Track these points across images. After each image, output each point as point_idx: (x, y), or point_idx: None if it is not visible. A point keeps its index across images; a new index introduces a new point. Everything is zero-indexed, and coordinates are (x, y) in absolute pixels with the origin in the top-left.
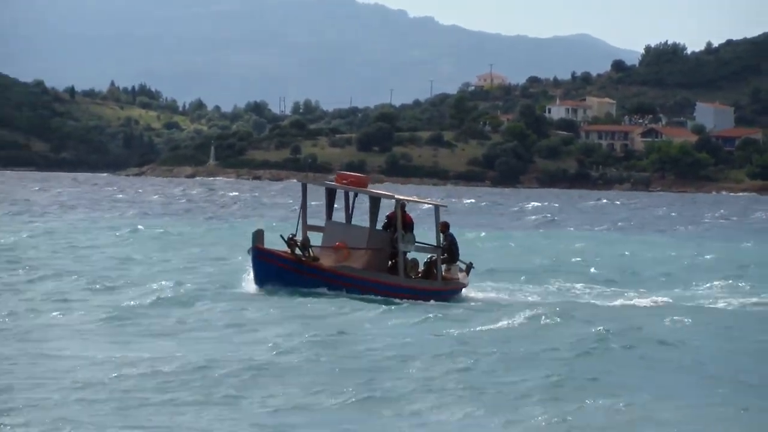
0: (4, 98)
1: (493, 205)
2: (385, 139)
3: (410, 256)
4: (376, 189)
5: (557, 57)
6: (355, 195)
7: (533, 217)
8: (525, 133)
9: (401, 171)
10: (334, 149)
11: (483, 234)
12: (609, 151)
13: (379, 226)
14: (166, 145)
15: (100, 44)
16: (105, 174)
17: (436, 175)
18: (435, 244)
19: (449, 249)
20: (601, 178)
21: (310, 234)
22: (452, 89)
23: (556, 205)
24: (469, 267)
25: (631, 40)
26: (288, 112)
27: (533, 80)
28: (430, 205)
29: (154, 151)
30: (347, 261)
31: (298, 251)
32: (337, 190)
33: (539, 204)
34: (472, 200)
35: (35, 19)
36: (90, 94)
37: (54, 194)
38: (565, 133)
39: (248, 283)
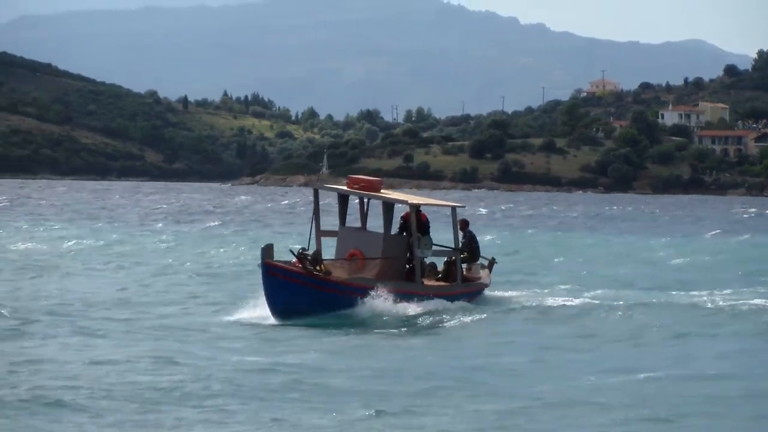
0: (119, 109)
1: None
2: (497, 147)
3: (428, 260)
4: (391, 193)
5: (669, 63)
6: (368, 200)
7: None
8: (637, 139)
9: (514, 178)
10: (446, 157)
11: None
12: (723, 156)
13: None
14: (279, 154)
15: (214, 54)
16: (217, 184)
17: (549, 182)
18: (453, 247)
19: (470, 247)
20: (715, 183)
21: (324, 240)
22: (564, 96)
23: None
24: (492, 263)
25: (744, 45)
26: (400, 120)
27: (645, 86)
28: (447, 207)
29: (267, 160)
30: (362, 271)
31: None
32: (351, 196)
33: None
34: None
35: (149, 30)
36: (203, 104)
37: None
38: (678, 138)
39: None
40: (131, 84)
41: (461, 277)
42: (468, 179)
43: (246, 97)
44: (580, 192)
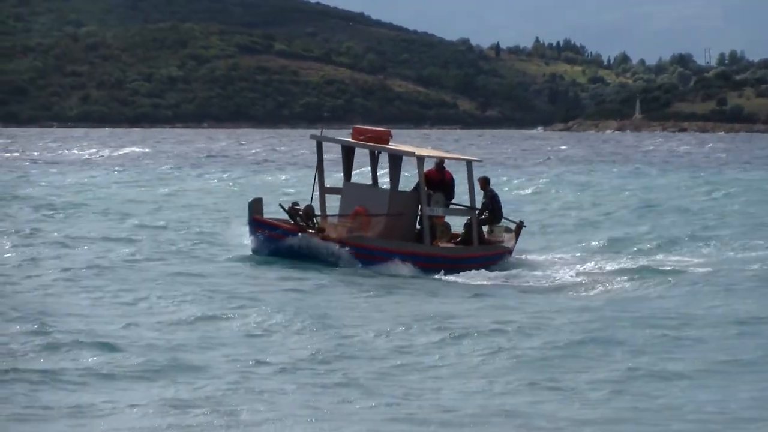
0: (431, 57)
1: None
2: None
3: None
4: (400, 145)
5: None
6: (378, 152)
7: None
8: None
9: None
10: (760, 99)
11: None
12: None
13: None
14: (592, 99)
15: (525, 1)
16: (534, 130)
17: None
18: (469, 206)
19: (491, 208)
20: None
21: (328, 197)
22: None
23: None
24: (520, 226)
25: None
26: (713, 63)
27: None
28: (462, 160)
29: (580, 106)
30: (365, 229)
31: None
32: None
33: None
34: None
35: None
36: (515, 50)
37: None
38: None
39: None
40: (443, 32)
41: (478, 240)
42: None
43: (558, 43)
44: None
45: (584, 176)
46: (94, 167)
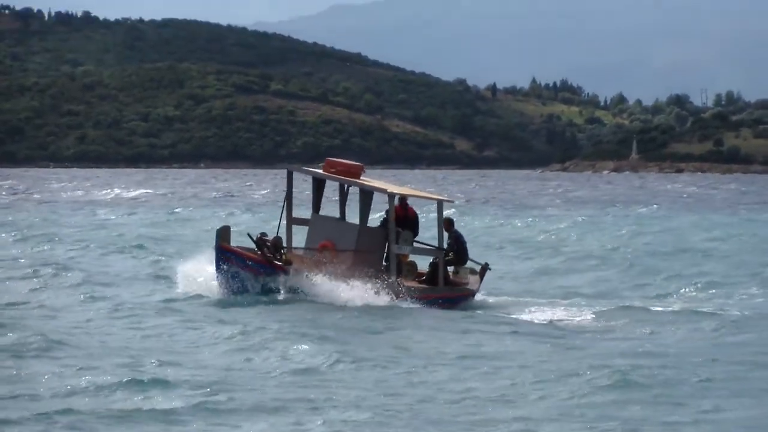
0: (429, 97)
1: None
2: None
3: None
4: (372, 180)
5: None
6: (348, 187)
7: None
8: None
9: None
10: (758, 140)
11: None
12: None
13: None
14: (589, 140)
15: (521, 41)
16: (527, 171)
17: None
18: (437, 246)
19: (456, 249)
20: None
21: (296, 228)
22: None
23: None
24: (485, 269)
25: None
26: (710, 104)
27: None
28: (432, 200)
29: (577, 146)
30: (333, 263)
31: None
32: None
33: None
34: None
35: (457, 18)
36: (512, 91)
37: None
38: None
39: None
40: (440, 72)
41: (444, 280)
42: None
43: (554, 83)
44: None
45: (603, 217)
46: (125, 206)
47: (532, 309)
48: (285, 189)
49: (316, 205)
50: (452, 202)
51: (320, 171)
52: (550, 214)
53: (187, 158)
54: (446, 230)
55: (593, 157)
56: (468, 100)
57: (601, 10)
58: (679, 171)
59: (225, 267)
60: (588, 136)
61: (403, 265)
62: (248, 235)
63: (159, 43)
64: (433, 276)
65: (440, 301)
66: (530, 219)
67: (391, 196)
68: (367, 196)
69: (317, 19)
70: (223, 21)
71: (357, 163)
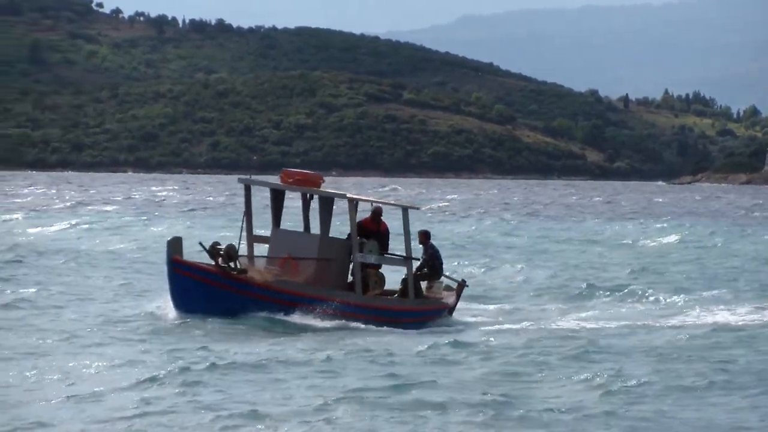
0: (560, 108)
1: None
2: None
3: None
4: (330, 188)
5: None
6: (310, 197)
7: None
8: None
9: None
10: None
11: None
12: None
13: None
14: (720, 152)
15: (655, 52)
16: (659, 183)
17: None
18: (405, 255)
19: (432, 264)
20: None
21: (257, 246)
22: None
23: None
24: (462, 285)
25: None
26: None
27: None
28: (397, 207)
29: (708, 158)
30: (295, 275)
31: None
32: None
33: None
34: None
35: (591, 30)
36: (644, 102)
37: None
38: None
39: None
40: (571, 83)
41: (414, 293)
42: None
43: (687, 95)
44: None
45: None
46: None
47: None
48: (244, 204)
49: (276, 219)
50: (419, 209)
51: (278, 182)
52: None
53: (318, 166)
54: (421, 243)
55: (725, 170)
56: (599, 111)
57: (736, 23)
58: None
59: (177, 280)
60: (720, 148)
61: (370, 277)
62: (200, 244)
63: (291, 52)
64: (404, 290)
65: (411, 314)
66: None
67: (351, 201)
68: (327, 203)
69: (448, 29)
70: (356, 30)
71: (316, 173)
